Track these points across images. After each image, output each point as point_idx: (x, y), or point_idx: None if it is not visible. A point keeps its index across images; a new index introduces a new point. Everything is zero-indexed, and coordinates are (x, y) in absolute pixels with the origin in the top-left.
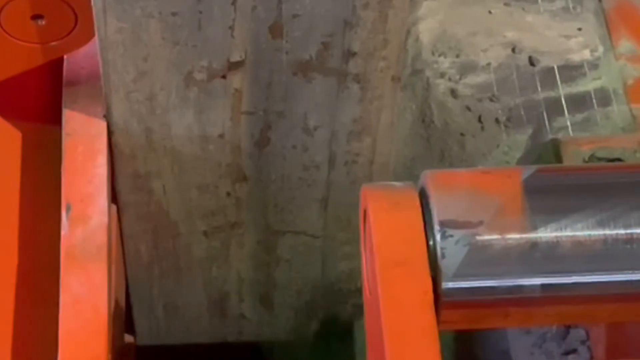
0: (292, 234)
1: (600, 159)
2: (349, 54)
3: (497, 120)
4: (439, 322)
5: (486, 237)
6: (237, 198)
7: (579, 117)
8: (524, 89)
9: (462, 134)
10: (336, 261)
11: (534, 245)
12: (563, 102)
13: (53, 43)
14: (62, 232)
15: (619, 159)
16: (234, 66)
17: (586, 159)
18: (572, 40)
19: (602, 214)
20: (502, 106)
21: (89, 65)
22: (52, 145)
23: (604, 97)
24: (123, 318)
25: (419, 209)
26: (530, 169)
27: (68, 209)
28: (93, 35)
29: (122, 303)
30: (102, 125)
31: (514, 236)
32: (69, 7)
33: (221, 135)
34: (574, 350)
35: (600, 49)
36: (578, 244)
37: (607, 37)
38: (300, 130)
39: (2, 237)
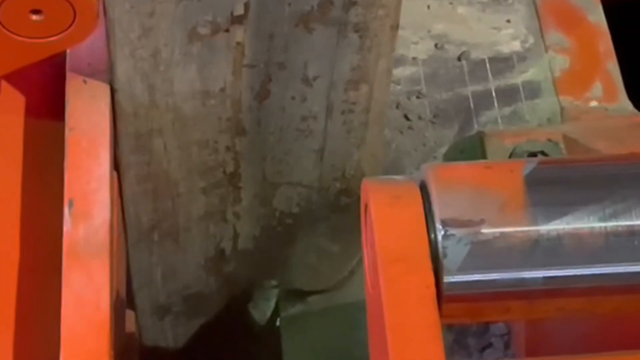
0: (288, 186)
1: (523, 152)
2: (350, 4)
3: (424, 116)
4: (441, 316)
5: (488, 235)
6: (236, 152)
7: (507, 110)
8: (453, 82)
9: (389, 131)
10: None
11: (536, 241)
12: (493, 94)
13: (52, 38)
14: (64, 229)
15: (542, 152)
16: (237, 20)
17: (510, 152)
18: (502, 32)
19: (605, 208)
20: (430, 101)
21: (92, 59)
22: (54, 141)
23: (532, 89)
24: (125, 310)
25: (420, 203)
26: (532, 163)
27: (70, 205)
28: (92, 30)
29: (123, 295)
30: (106, 119)
31: (516, 233)
32: (67, 2)
33: (222, 90)
34: (490, 345)
35: (530, 40)
36: (580, 237)
37: (537, 29)
38: (299, 81)
39: (3, 234)
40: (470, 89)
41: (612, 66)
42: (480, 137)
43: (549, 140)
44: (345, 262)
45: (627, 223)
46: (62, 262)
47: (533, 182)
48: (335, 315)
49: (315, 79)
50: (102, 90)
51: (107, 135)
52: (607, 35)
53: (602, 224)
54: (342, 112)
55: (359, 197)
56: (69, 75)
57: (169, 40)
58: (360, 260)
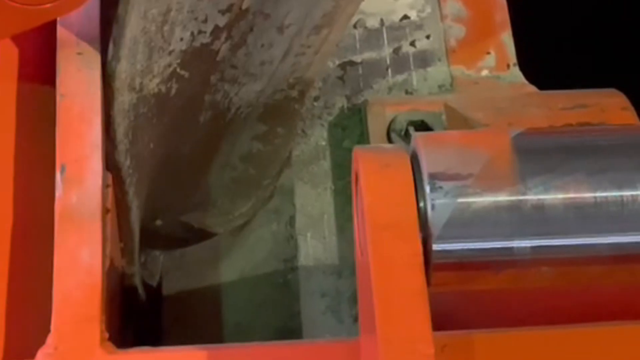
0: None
1: (403, 121)
2: None
3: (315, 84)
4: (429, 283)
5: (476, 189)
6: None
7: (400, 78)
8: (346, 50)
9: None
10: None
11: (523, 200)
12: (386, 63)
13: (46, 5)
14: (57, 193)
15: (422, 121)
16: None
17: (390, 120)
18: (400, 1)
19: (593, 175)
20: None
21: (82, 26)
22: (47, 107)
23: (425, 58)
24: (118, 276)
25: (410, 170)
26: (519, 129)
27: (62, 170)
28: None
29: (118, 262)
30: (97, 85)
31: (503, 190)
32: None
33: (207, 44)
34: None
35: (427, 9)
36: (567, 203)
37: None
38: (275, 29)
39: None
40: (363, 57)
41: (507, 37)
42: (364, 105)
43: (430, 110)
44: (239, 205)
45: (615, 193)
46: (55, 227)
47: (520, 145)
48: (217, 293)
49: (288, 26)
50: (92, 57)
51: (98, 101)
52: (504, 6)
53: (591, 193)
54: (296, 55)
55: (277, 144)
56: (60, 42)
57: None
58: (250, 218)
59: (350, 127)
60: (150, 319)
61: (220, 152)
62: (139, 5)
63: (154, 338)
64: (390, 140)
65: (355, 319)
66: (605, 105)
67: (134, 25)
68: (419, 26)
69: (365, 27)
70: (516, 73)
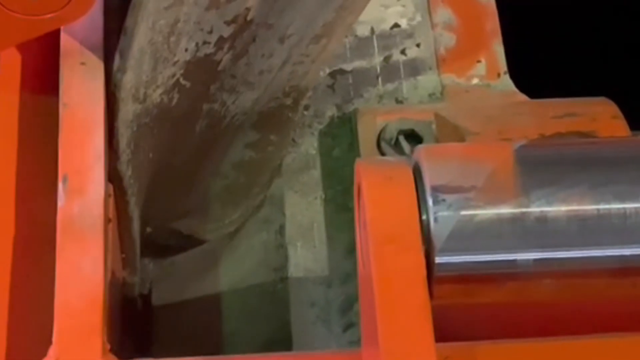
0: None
1: (393, 130)
2: None
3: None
4: (432, 296)
5: (479, 202)
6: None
7: (390, 86)
8: (337, 58)
9: None
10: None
11: (526, 213)
12: (377, 71)
13: (49, 15)
14: (59, 204)
15: (412, 130)
16: None
17: (380, 129)
18: (390, 9)
19: (596, 188)
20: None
21: (86, 36)
22: (50, 117)
23: (415, 67)
24: (119, 289)
25: (412, 183)
26: (522, 141)
27: (65, 180)
28: (89, 7)
29: (120, 273)
30: (100, 95)
31: (506, 202)
32: None
33: (210, 55)
34: (353, 324)
35: (418, 18)
36: (570, 215)
37: (425, 6)
38: (276, 40)
39: None
40: (353, 65)
41: (497, 45)
42: (354, 114)
43: (420, 119)
44: (229, 213)
45: (619, 205)
46: (57, 237)
47: (523, 157)
48: (207, 303)
49: (289, 36)
50: (96, 67)
51: (101, 111)
52: (494, 14)
53: (594, 205)
54: (294, 64)
55: (269, 152)
56: (63, 52)
57: (190, 8)
58: (239, 225)
59: (341, 136)
60: (142, 329)
61: (213, 159)
62: (148, 16)
63: (146, 347)
64: (380, 149)
65: (345, 329)
66: (595, 114)
67: (141, 36)
68: (409, 34)
69: (356, 36)
70: (507, 81)
